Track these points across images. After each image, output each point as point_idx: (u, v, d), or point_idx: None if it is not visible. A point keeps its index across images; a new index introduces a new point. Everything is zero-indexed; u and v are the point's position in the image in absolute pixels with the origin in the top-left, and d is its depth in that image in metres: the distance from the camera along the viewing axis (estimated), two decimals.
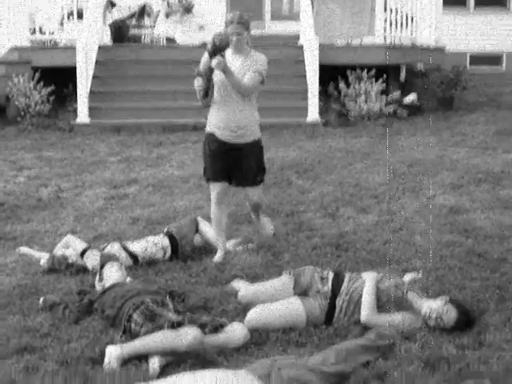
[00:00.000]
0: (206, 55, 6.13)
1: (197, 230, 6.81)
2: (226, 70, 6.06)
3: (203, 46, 15.24)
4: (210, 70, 6.11)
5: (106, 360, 4.51)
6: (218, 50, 6.01)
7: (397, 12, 14.20)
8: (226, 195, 6.55)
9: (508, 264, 6.21)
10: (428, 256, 6.40)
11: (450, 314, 4.99)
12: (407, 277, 5.58)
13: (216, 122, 6.37)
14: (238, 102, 6.28)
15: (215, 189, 6.50)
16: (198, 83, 6.23)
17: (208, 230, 6.79)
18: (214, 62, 5.99)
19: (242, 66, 6.30)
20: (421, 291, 5.33)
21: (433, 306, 5.04)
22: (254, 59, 6.34)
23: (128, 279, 5.62)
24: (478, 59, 18.53)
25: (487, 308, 5.30)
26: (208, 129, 6.47)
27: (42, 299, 5.44)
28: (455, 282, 5.79)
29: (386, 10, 13.93)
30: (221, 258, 6.42)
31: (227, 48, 6.12)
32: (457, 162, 9.94)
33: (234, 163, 6.40)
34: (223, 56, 6.03)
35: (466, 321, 5.02)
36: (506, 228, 7.20)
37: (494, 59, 18.69)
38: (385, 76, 13.29)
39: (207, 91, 6.23)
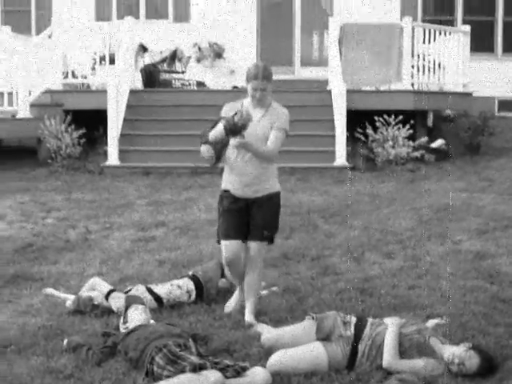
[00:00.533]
0: (220, 127, 5.76)
1: (222, 274, 6.86)
2: (248, 148, 5.86)
3: (234, 89, 15.48)
4: (223, 143, 5.86)
5: None
6: (238, 129, 5.68)
7: (424, 58, 14.29)
8: (238, 256, 6.10)
9: None
10: (452, 302, 6.39)
11: (473, 360, 4.98)
12: (430, 322, 5.57)
13: (231, 179, 6.06)
14: (254, 159, 5.94)
15: (225, 248, 6.09)
16: (208, 152, 5.89)
17: None
18: (236, 143, 5.76)
19: (263, 118, 5.97)
20: (443, 337, 5.33)
21: (455, 352, 5.04)
22: (275, 113, 6.00)
23: (152, 322, 5.66)
24: (507, 104, 18.52)
25: (510, 354, 5.28)
26: (223, 186, 6.16)
27: (66, 341, 5.48)
28: (479, 327, 5.77)
29: (413, 55, 14.02)
30: (231, 308, 6.33)
31: (247, 127, 5.71)
32: (483, 208, 9.93)
33: (249, 218, 6.08)
34: (243, 136, 5.73)
35: (489, 367, 5.01)
36: None
37: None
38: (412, 121, 13.33)
39: (219, 158, 5.96)
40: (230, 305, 6.37)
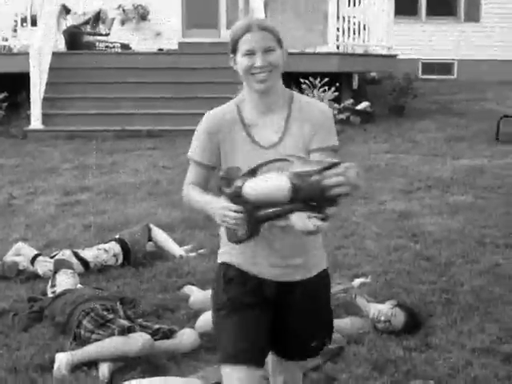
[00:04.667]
0: (279, 183, 2.82)
1: (150, 238, 6.82)
2: None
3: (159, 52, 15.32)
4: (278, 213, 2.91)
5: (56, 367, 4.51)
6: (326, 202, 2.87)
7: (349, 20, 14.34)
8: None
9: (455, 268, 6.33)
10: (377, 261, 6.50)
11: (398, 318, 5.08)
12: (356, 282, 5.66)
13: (247, 250, 3.20)
14: None
15: (228, 380, 3.17)
16: (237, 219, 2.95)
17: (160, 237, 6.81)
18: (311, 228, 2.86)
19: (286, 135, 3.20)
20: (369, 296, 5.42)
21: (381, 310, 5.13)
22: (309, 116, 3.24)
23: (79, 286, 5.61)
24: (430, 67, 18.80)
25: (434, 311, 5.41)
26: (225, 257, 3.34)
27: None
28: (403, 285, 5.90)
29: (338, 18, 14.05)
30: None
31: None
32: (407, 169, 10.08)
33: (278, 320, 3.31)
34: (327, 215, 2.89)
35: (414, 324, 5.11)
36: (454, 233, 7.33)
37: (445, 67, 18.97)
38: (337, 83, 13.39)
39: (256, 232, 3.04)
40: None
